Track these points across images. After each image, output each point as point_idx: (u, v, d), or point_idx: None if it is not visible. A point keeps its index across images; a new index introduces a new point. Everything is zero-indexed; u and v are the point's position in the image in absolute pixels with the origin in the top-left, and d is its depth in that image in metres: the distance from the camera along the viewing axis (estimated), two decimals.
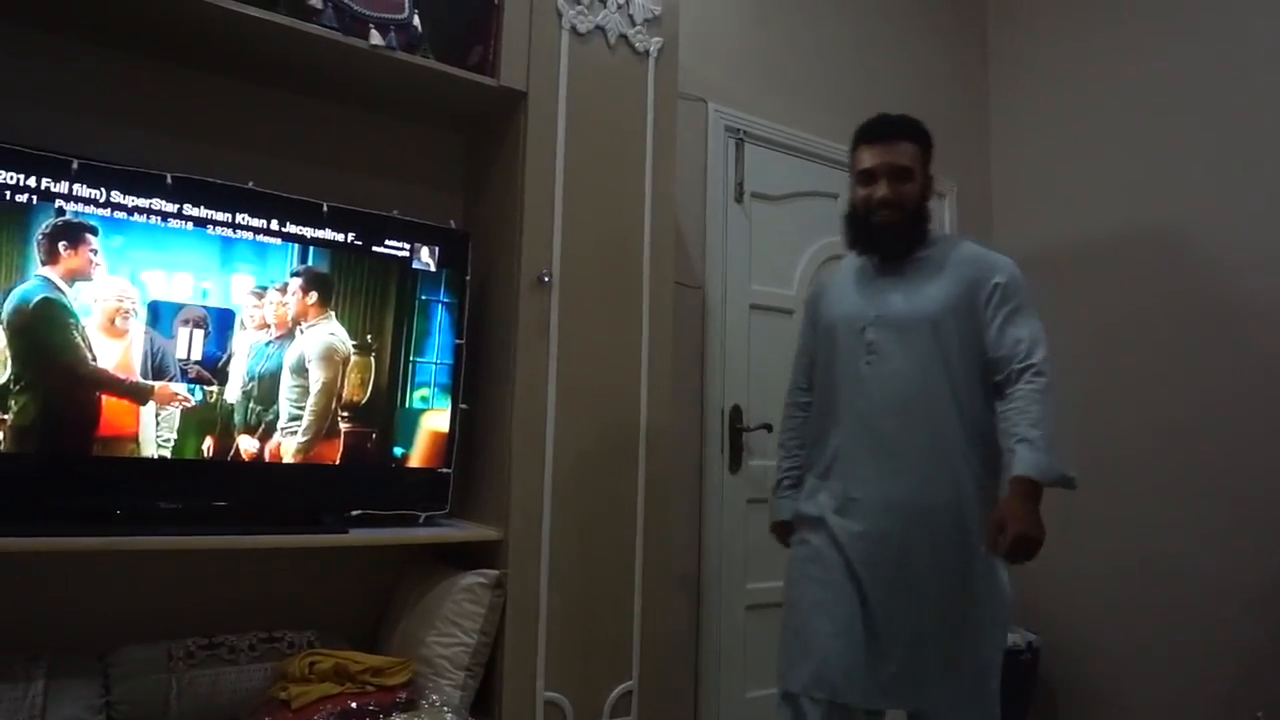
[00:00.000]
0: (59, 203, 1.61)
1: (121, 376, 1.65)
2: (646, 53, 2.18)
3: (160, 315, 1.69)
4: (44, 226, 1.59)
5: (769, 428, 2.63)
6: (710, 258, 2.69)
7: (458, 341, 2.02)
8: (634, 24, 2.16)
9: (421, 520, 1.96)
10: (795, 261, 2.91)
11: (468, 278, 2.04)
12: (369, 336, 1.92)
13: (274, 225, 1.82)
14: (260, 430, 1.78)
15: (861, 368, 1.84)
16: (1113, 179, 3.15)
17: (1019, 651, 3.04)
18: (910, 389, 1.81)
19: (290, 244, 1.84)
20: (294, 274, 1.84)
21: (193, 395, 1.72)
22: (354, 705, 1.63)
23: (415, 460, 1.96)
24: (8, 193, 1.57)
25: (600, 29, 2.10)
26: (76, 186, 1.63)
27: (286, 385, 1.82)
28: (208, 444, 1.73)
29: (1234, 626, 2.68)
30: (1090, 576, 3.09)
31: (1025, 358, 1.79)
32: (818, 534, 1.83)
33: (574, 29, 2.06)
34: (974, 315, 1.82)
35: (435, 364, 2.00)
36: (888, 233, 1.86)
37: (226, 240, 1.77)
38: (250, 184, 1.80)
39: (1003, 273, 1.84)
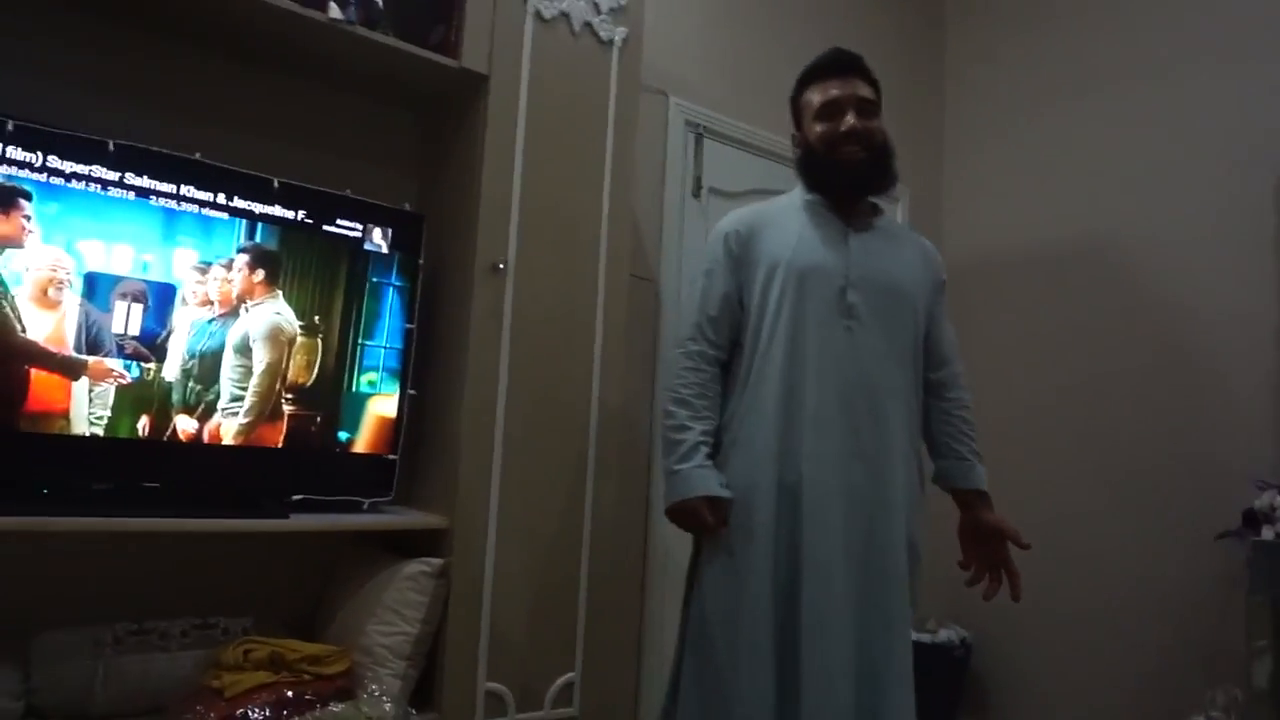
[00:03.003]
0: None
1: (53, 350, 1.58)
2: (611, 42, 2.16)
3: (97, 287, 1.63)
4: None
5: None
6: (666, 251, 2.69)
7: (408, 326, 1.99)
8: (599, 12, 2.14)
9: (365, 507, 1.92)
10: None
11: (421, 261, 2.00)
12: (316, 317, 1.87)
13: (221, 199, 1.76)
14: (200, 410, 1.73)
15: (839, 332, 1.65)
16: (1059, 188, 3.24)
17: (952, 648, 3.12)
18: (886, 368, 1.67)
19: (237, 219, 1.78)
20: (240, 250, 1.78)
21: (129, 372, 1.65)
22: (290, 694, 1.59)
23: (361, 445, 1.92)
24: None
25: (565, 15, 2.08)
26: (10, 148, 1.55)
27: (229, 365, 1.76)
28: (143, 423, 1.67)
29: (1151, 620, 2.80)
30: (1020, 575, 3.18)
31: (959, 361, 1.81)
32: (749, 546, 1.58)
33: (538, 14, 2.03)
34: (929, 302, 1.79)
35: (384, 348, 1.96)
36: (857, 171, 1.70)
37: (170, 212, 1.70)
38: (198, 155, 1.74)
39: (943, 267, 1.86)
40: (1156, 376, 2.89)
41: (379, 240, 1.96)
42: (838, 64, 1.75)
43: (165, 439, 1.69)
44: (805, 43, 3.13)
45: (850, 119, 1.69)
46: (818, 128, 1.73)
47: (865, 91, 1.74)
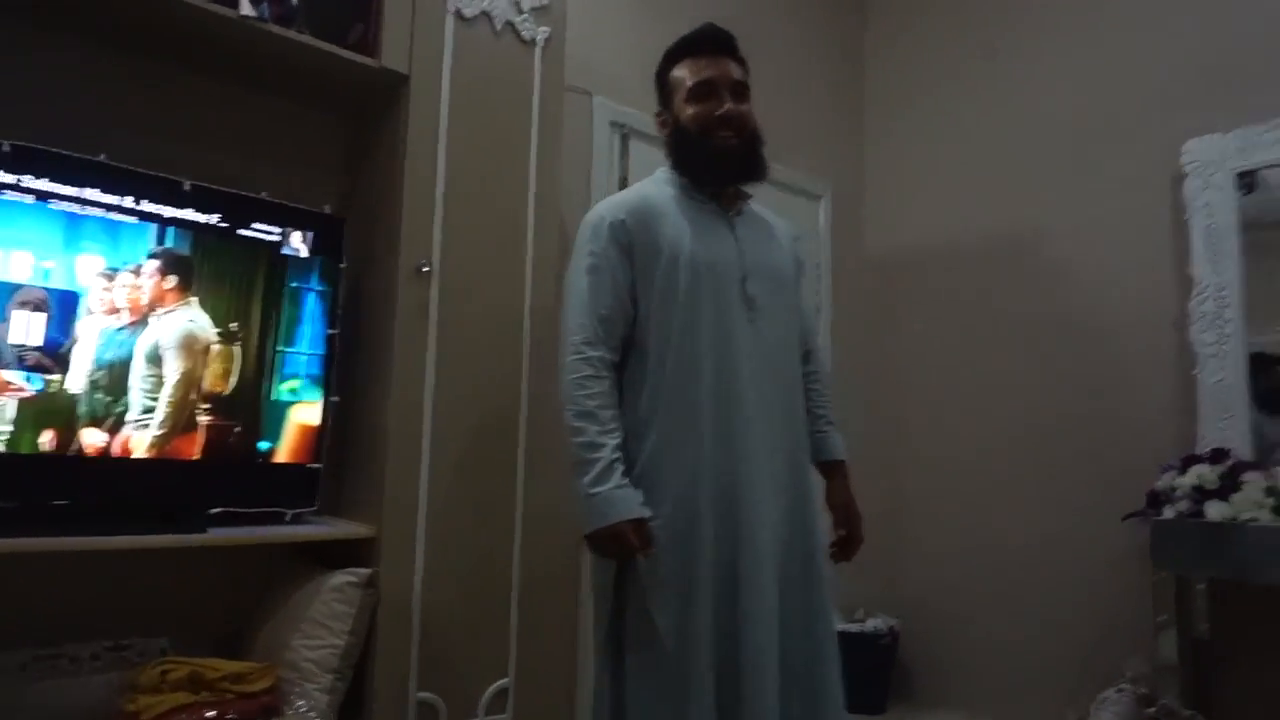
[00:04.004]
0: None
1: None
2: (533, 41, 2.15)
3: None
4: None
5: None
6: None
7: (331, 331, 1.94)
8: (521, 11, 2.12)
9: (288, 518, 1.87)
10: None
11: (343, 265, 1.96)
12: (234, 324, 1.81)
13: (128, 203, 1.69)
14: (108, 423, 1.65)
15: (744, 326, 1.60)
16: (973, 184, 3.36)
17: (880, 636, 3.20)
18: (787, 357, 1.68)
19: (147, 223, 1.71)
20: (150, 256, 1.71)
21: (30, 384, 1.57)
22: (211, 714, 1.54)
23: (282, 455, 1.87)
24: None
25: (486, 14, 2.06)
26: None
27: (139, 375, 1.69)
28: (47, 437, 1.59)
29: (1066, 601, 2.93)
30: (944, 565, 3.29)
31: (816, 333, 1.84)
32: (693, 556, 1.50)
33: (459, 12, 2.01)
34: (797, 282, 1.80)
35: (306, 354, 1.91)
36: (734, 157, 1.65)
37: (73, 217, 1.63)
38: (102, 157, 1.66)
39: (798, 243, 1.85)
40: (1066, 364, 3.02)
41: (298, 244, 1.91)
42: (712, 42, 1.69)
43: (72, 454, 1.61)
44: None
45: (729, 103, 1.64)
46: (690, 109, 1.66)
47: (738, 74, 1.69)
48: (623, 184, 2.78)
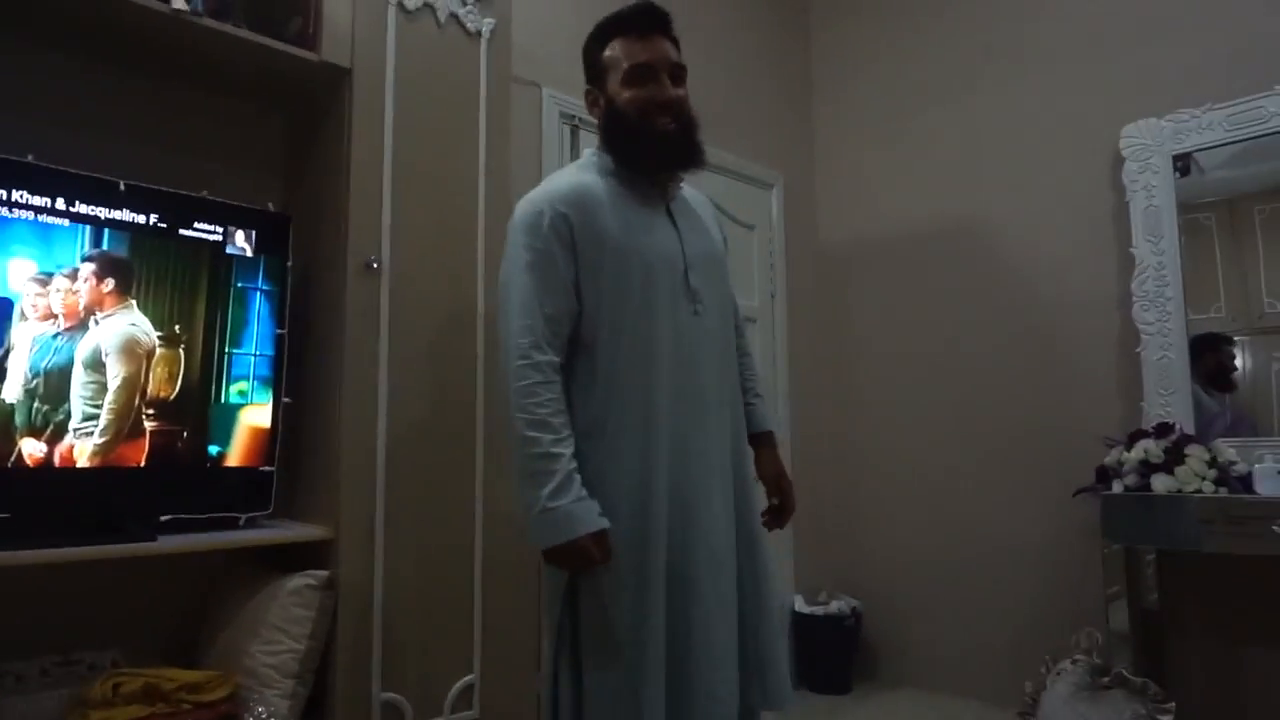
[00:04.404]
0: None
1: None
2: (479, 33, 2.12)
3: None
4: None
5: None
6: None
7: (279, 331, 1.90)
8: (465, 3, 2.10)
9: (242, 523, 1.84)
10: None
11: (289, 264, 1.92)
12: (177, 327, 1.77)
13: (60, 204, 1.63)
14: (48, 432, 1.60)
15: (686, 318, 1.55)
16: (922, 175, 3.41)
17: (843, 618, 3.25)
18: (726, 345, 1.66)
19: (80, 225, 1.66)
20: (85, 259, 1.66)
21: None
22: None
23: (233, 459, 1.83)
24: None
25: (429, 6, 2.03)
26: None
27: (79, 381, 1.64)
28: None
29: (1021, 576, 3.00)
30: (904, 546, 3.35)
31: (739, 310, 1.81)
32: (648, 554, 1.46)
33: (401, 5, 1.97)
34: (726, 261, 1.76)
35: (254, 355, 1.87)
36: (673, 145, 1.58)
37: (1, 220, 1.57)
38: (30, 157, 1.61)
39: (722, 221, 1.82)
40: (1015, 346, 3.08)
41: (242, 243, 1.87)
42: (648, 20, 1.60)
43: (10, 465, 1.56)
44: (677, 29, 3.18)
45: (668, 90, 1.57)
46: (627, 93, 1.58)
47: (675, 55, 1.62)
48: None
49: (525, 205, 1.56)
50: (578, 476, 1.44)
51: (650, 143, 1.56)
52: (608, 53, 1.61)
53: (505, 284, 1.55)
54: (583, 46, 1.68)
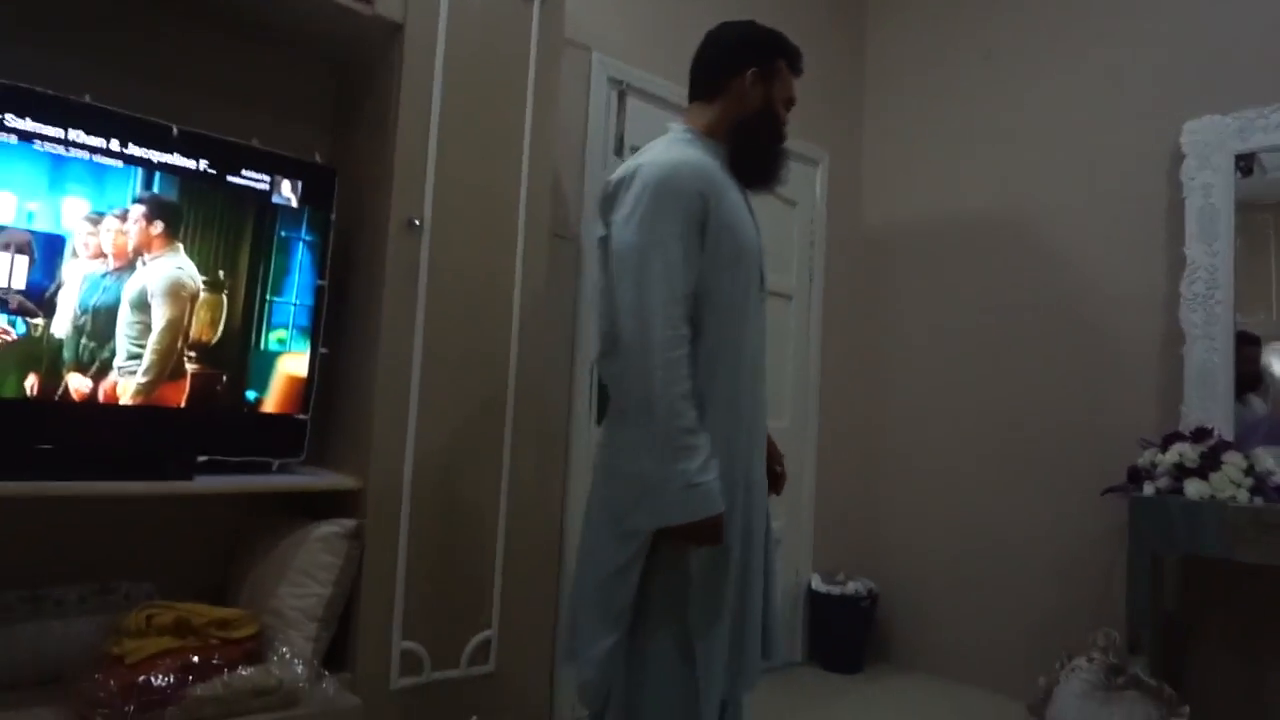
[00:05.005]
0: None
1: None
2: None
3: None
4: None
5: None
6: (588, 210, 2.66)
7: (320, 282, 1.93)
8: None
9: (275, 468, 1.88)
10: None
11: (333, 216, 1.94)
12: (221, 273, 1.80)
13: (114, 146, 1.66)
14: (94, 368, 1.65)
15: (758, 306, 1.60)
16: (970, 160, 3.34)
17: (860, 599, 3.26)
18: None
19: (133, 167, 1.69)
20: (136, 201, 1.69)
21: (13, 328, 1.56)
22: (195, 660, 1.55)
23: (270, 405, 1.87)
24: None
25: None
26: None
27: (125, 321, 1.68)
28: (31, 382, 1.58)
29: (1043, 571, 2.97)
30: (923, 533, 3.34)
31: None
32: (730, 536, 1.51)
33: None
34: None
35: (294, 304, 1.90)
36: (781, 170, 1.70)
37: (58, 159, 1.60)
38: (87, 98, 1.63)
39: None
40: (1054, 341, 3.03)
41: (288, 193, 1.89)
42: (801, 66, 1.71)
43: (57, 399, 1.61)
44: (727, 2, 3.13)
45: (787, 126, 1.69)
46: (781, 113, 1.67)
47: None
48: (619, 142, 2.75)
49: (669, 172, 1.49)
50: (715, 459, 1.45)
51: (777, 161, 1.65)
52: (779, 64, 1.65)
53: (644, 246, 1.45)
54: (752, 30, 1.68)
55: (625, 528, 1.47)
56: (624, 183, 1.50)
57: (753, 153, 1.63)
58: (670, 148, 1.56)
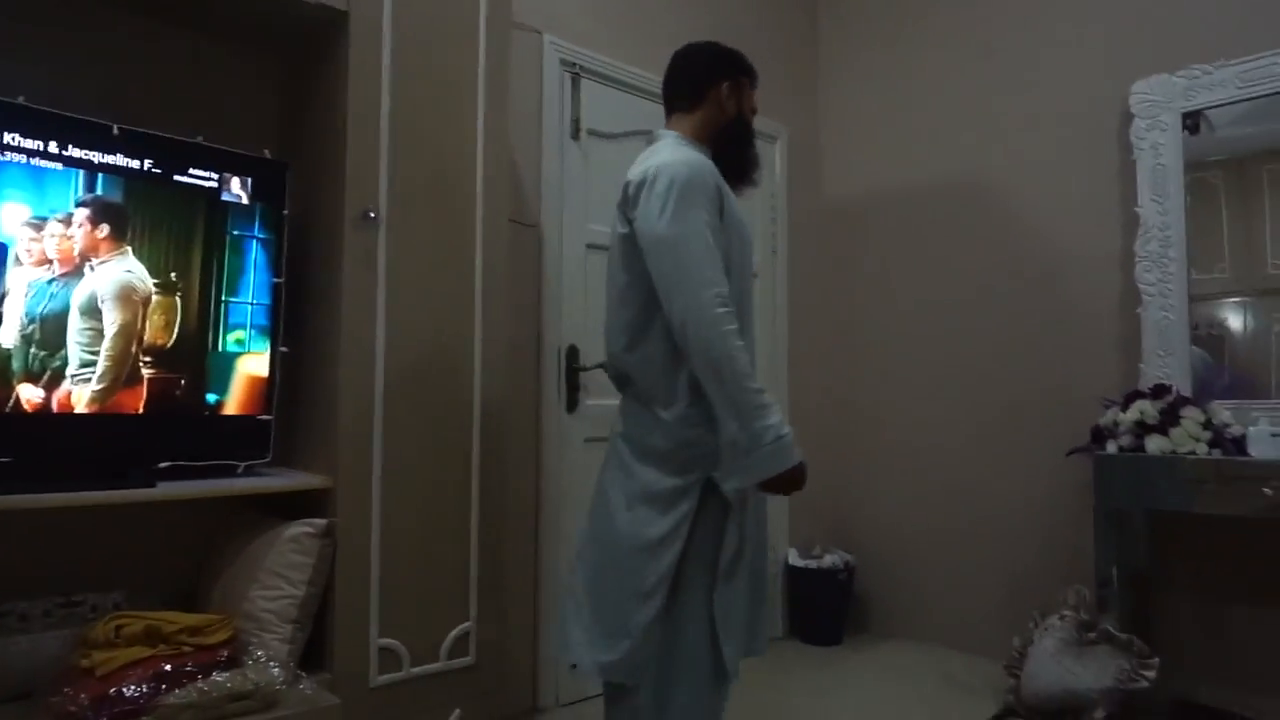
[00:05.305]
0: None
1: None
2: None
3: None
4: None
5: (605, 367, 2.64)
6: (546, 196, 2.64)
7: (276, 280, 1.90)
8: None
9: (240, 470, 1.85)
10: None
11: (286, 212, 1.91)
12: (173, 275, 1.76)
13: (53, 148, 1.61)
14: (45, 378, 1.61)
15: (750, 290, 1.73)
16: (926, 129, 3.36)
17: (836, 571, 3.29)
18: None
19: (74, 170, 1.64)
20: (79, 204, 1.65)
21: None
22: (168, 668, 1.53)
23: (231, 407, 1.84)
24: None
25: None
26: None
27: (75, 328, 1.64)
28: None
29: (1016, 539, 3.02)
30: (898, 501, 3.38)
31: None
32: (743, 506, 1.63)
33: None
34: None
35: (251, 304, 1.87)
36: (755, 175, 1.84)
37: None
38: (21, 99, 1.58)
39: None
40: (1015, 305, 3.07)
41: (238, 190, 1.85)
42: (757, 81, 1.84)
43: (8, 410, 1.56)
44: None
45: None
46: (749, 119, 1.81)
47: None
48: (575, 126, 2.73)
49: (693, 169, 1.59)
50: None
51: (753, 166, 1.81)
52: (743, 79, 1.79)
53: (682, 235, 1.54)
54: (719, 48, 1.81)
55: (725, 488, 1.57)
56: (645, 183, 1.58)
57: (734, 155, 1.77)
58: (678, 149, 1.66)
